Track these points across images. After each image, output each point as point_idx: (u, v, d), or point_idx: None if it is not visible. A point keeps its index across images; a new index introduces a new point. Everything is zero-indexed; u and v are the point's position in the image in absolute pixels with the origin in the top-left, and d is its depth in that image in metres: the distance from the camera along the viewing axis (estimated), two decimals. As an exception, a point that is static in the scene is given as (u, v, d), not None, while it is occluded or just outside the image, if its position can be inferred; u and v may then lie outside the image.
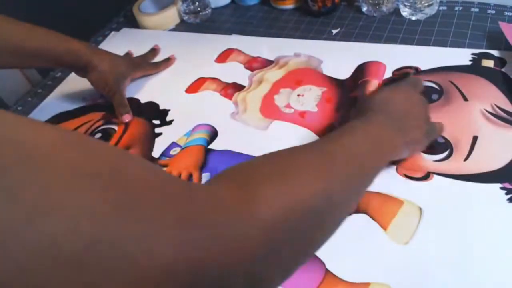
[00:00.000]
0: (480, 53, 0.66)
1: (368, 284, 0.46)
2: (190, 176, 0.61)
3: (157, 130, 0.70)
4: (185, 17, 0.95)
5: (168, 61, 0.84)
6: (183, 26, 0.96)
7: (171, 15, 0.95)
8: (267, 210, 0.30)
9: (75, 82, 0.86)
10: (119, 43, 0.94)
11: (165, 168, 0.63)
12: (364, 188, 0.43)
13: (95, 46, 0.87)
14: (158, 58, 0.86)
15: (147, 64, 0.83)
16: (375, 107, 0.50)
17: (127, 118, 0.72)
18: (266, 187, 0.31)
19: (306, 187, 0.33)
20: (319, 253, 0.49)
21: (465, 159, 0.54)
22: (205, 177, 0.61)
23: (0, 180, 0.20)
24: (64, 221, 0.20)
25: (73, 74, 0.88)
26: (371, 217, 0.51)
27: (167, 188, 0.27)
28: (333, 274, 0.47)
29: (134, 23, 0.99)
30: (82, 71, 0.74)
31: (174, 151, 0.66)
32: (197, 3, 0.93)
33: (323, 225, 0.36)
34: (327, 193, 0.35)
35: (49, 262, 0.20)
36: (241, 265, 0.27)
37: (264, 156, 0.39)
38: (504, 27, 0.68)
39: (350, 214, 0.52)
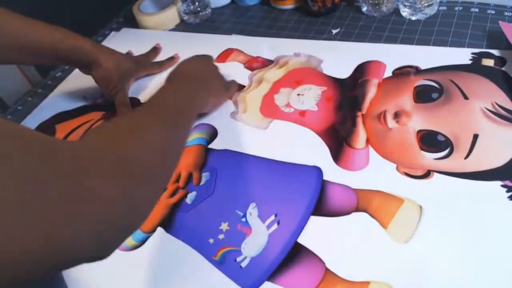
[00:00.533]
0: (480, 52, 0.66)
1: (368, 282, 0.46)
2: (190, 175, 0.61)
3: (156, 130, 0.70)
4: (185, 17, 0.95)
5: (171, 60, 0.83)
6: (183, 26, 0.96)
7: (171, 15, 0.95)
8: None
9: (75, 82, 0.86)
10: (119, 43, 0.94)
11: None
12: (187, 132, 0.52)
13: (100, 44, 0.86)
14: (159, 58, 0.86)
15: (151, 63, 0.83)
16: (176, 75, 0.61)
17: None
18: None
19: (151, 142, 0.41)
20: (319, 251, 0.49)
21: (466, 157, 0.53)
22: (205, 176, 0.60)
23: None
24: None
25: (73, 74, 0.88)
26: (371, 215, 0.51)
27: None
28: (333, 273, 0.47)
29: (134, 23, 0.99)
30: (86, 68, 0.73)
31: (174, 150, 0.66)
32: (197, 3, 0.93)
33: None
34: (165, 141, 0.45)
35: None
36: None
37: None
38: (504, 26, 0.68)
39: (348, 213, 0.52)
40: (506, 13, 0.74)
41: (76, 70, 0.88)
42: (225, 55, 0.82)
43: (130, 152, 0.37)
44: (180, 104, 0.52)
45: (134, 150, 0.38)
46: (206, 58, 0.70)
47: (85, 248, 0.30)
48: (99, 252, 0.32)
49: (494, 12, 0.75)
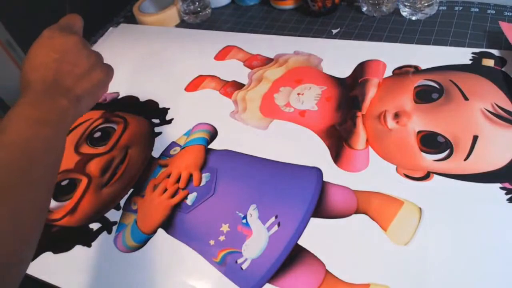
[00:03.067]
0: (481, 52, 0.66)
1: (368, 285, 0.46)
2: (190, 176, 0.61)
3: (156, 129, 0.70)
4: (185, 17, 0.95)
5: None
6: (183, 26, 0.96)
7: (171, 15, 0.95)
8: None
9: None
10: (117, 39, 0.94)
11: (164, 169, 0.63)
12: (53, 179, 0.41)
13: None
14: (156, 57, 0.86)
15: None
16: (25, 80, 0.45)
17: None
18: None
19: None
20: (319, 254, 0.49)
21: (465, 159, 0.53)
22: (205, 177, 0.60)
23: None
24: None
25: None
26: (371, 217, 0.51)
27: None
28: (333, 275, 0.47)
29: (134, 23, 0.99)
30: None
31: (174, 151, 0.66)
32: (197, 3, 0.93)
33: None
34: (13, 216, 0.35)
35: None
36: None
37: None
38: (504, 26, 0.68)
39: (344, 217, 0.52)
40: (506, 13, 0.74)
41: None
42: (225, 52, 0.82)
43: None
44: (36, 148, 0.39)
45: None
46: (68, 35, 0.49)
47: None
48: None
49: (494, 12, 0.75)
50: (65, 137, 0.44)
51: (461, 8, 0.77)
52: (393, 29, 0.77)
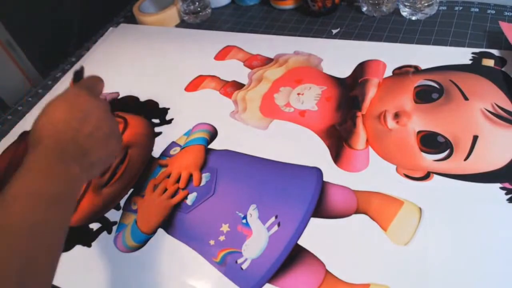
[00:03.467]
0: (481, 52, 0.66)
1: (368, 285, 0.46)
2: (190, 176, 0.61)
3: (156, 129, 0.70)
4: (185, 17, 0.95)
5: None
6: (183, 26, 0.96)
7: (171, 15, 0.95)
8: None
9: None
10: (117, 39, 0.94)
11: (164, 169, 0.63)
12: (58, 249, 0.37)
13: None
14: (156, 57, 0.86)
15: None
16: (37, 133, 0.41)
17: None
18: None
19: None
20: (319, 254, 0.49)
21: (465, 159, 0.53)
22: (205, 177, 0.60)
23: None
24: None
25: (70, 73, 0.88)
26: (371, 217, 0.51)
27: None
28: (333, 275, 0.47)
29: (134, 23, 0.99)
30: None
31: (174, 150, 0.66)
32: (197, 3, 0.93)
33: None
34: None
35: None
36: None
37: None
38: (504, 26, 0.68)
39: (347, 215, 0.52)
40: (506, 13, 0.74)
41: (73, 70, 0.88)
42: (224, 52, 0.82)
43: None
44: (43, 233, 0.35)
45: None
46: (92, 92, 0.46)
47: None
48: None
49: (494, 12, 0.75)
50: (73, 209, 0.41)
51: (461, 8, 0.77)
52: (393, 29, 0.77)
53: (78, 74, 0.52)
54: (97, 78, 0.49)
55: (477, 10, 0.76)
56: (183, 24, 0.96)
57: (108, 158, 0.46)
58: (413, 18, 0.78)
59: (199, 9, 0.93)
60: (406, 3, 0.77)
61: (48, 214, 0.36)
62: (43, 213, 0.35)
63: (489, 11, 0.75)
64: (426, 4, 0.76)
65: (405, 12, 0.79)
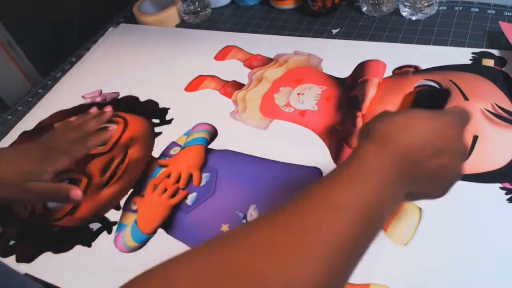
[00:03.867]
0: (481, 52, 0.66)
1: (367, 285, 0.46)
2: (190, 176, 0.61)
3: (156, 129, 0.70)
4: (185, 17, 0.95)
5: (103, 134, 0.61)
6: (183, 26, 0.96)
7: (171, 15, 0.95)
8: None
9: (73, 80, 0.86)
10: (117, 39, 0.94)
11: (164, 169, 0.63)
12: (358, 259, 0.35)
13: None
14: (156, 57, 0.86)
15: (74, 147, 0.58)
16: (382, 133, 0.36)
17: (76, 195, 0.53)
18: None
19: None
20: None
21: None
22: (205, 177, 0.60)
23: None
24: None
25: (70, 73, 0.88)
26: (371, 217, 0.51)
27: None
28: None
29: (134, 23, 0.99)
30: None
31: (174, 151, 0.66)
32: (197, 3, 0.93)
33: None
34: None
35: None
36: None
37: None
38: (504, 26, 0.68)
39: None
40: (506, 13, 0.74)
41: (73, 69, 0.88)
42: (224, 52, 0.82)
43: None
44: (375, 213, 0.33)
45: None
46: (460, 123, 0.39)
47: None
48: None
49: (494, 12, 0.75)
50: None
51: (461, 8, 0.77)
52: (393, 29, 0.77)
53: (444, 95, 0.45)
54: (466, 113, 0.41)
55: (477, 10, 0.76)
56: (183, 24, 0.96)
57: (423, 195, 0.39)
58: (413, 18, 0.78)
59: (199, 9, 0.93)
60: (406, 3, 0.77)
61: (367, 230, 0.33)
62: (363, 227, 0.33)
63: (489, 11, 0.75)
64: (426, 4, 0.76)
65: (405, 12, 0.79)
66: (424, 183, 0.37)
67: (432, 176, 0.36)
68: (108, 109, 0.64)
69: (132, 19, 0.99)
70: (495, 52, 0.66)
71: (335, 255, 0.31)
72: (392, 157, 0.34)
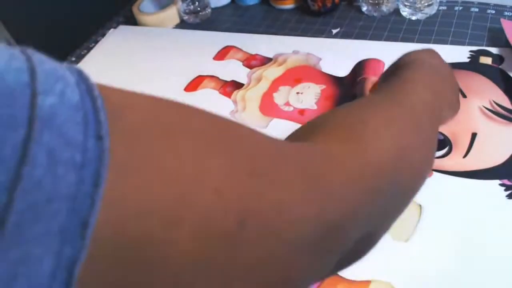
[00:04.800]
0: (478, 50, 0.67)
1: (369, 281, 0.46)
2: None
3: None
4: (185, 17, 0.95)
5: None
6: (183, 25, 0.96)
7: (171, 15, 0.95)
8: (376, 158, 0.30)
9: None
10: (117, 40, 0.94)
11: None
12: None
13: None
14: (155, 58, 0.86)
15: None
16: (418, 60, 0.44)
17: None
18: (372, 137, 0.31)
19: (401, 141, 0.33)
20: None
21: (464, 156, 0.53)
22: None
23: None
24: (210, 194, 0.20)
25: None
26: (370, 214, 0.51)
27: (286, 151, 0.26)
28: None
29: (134, 23, 0.98)
30: None
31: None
32: (197, 3, 0.93)
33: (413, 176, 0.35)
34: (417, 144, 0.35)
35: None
36: (358, 212, 0.28)
37: (351, 108, 0.37)
38: (505, 24, 0.68)
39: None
40: (506, 13, 0.74)
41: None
42: (223, 52, 0.82)
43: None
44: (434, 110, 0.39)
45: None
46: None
47: None
48: None
49: (494, 12, 0.75)
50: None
51: (461, 8, 0.78)
52: (393, 29, 0.77)
53: None
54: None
55: (477, 10, 0.76)
56: (182, 23, 0.96)
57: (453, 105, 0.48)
58: (413, 18, 0.78)
59: (198, 8, 0.93)
60: (406, 3, 0.78)
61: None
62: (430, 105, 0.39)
63: (489, 11, 0.75)
64: (426, 4, 0.76)
65: (405, 12, 0.79)
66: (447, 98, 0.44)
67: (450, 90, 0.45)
68: None
69: (132, 19, 0.99)
70: (492, 50, 0.66)
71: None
72: (432, 80, 0.42)
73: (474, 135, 0.55)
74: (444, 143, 0.55)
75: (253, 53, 0.80)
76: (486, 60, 0.65)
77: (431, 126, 0.37)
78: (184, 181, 0.19)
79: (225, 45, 0.84)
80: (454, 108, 0.48)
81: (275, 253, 0.22)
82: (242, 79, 0.75)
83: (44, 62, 0.18)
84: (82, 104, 0.17)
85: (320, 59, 0.74)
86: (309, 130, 0.34)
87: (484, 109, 0.57)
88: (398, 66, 0.45)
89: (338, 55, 0.74)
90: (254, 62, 0.78)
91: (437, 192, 0.51)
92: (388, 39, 0.75)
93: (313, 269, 0.26)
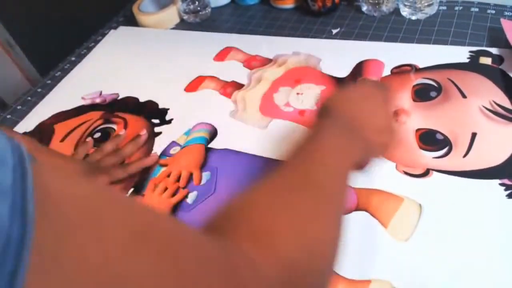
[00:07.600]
0: (478, 50, 0.67)
1: (369, 281, 0.46)
2: (190, 175, 0.61)
3: (156, 129, 0.70)
4: (185, 17, 0.95)
5: (140, 162, 0.64)
6: (183, 25, 0.96)
7: (171, 15, 0.95)
8: (287, 254, 0.31)
9: (73, 81, 0.86)
10: (117, 41, 0.95)
11: (164, 168, 0.63)
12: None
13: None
14: (156, 58, 0.86)
15: (115, 171, 0.62)
16: (333, 111, 0.46)
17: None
18: (281, 237, 0.32)
19: (314, 233, 0.34)
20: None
21: (464, 156, 0.54)
22: (206, 176, 0.60)
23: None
24: None
25: (71, 74, 0.88)
26: (371, 214, 0.51)
27: (207, 256, 0.27)
28: (334, 272, 0.47)
29: (134, 23, 0.99)
30: None
31: (174, 150, 0.66)
32: (197, 2, 0.93)
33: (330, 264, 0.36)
34: (331, 235, 0.36)
35: None
36: None
37: (261, 197, 0.38)
38: (505, 24, 0.68)
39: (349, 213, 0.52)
40: (506, 13, 0.74)
41: (74, 70, 0.88)
42: (224, 53, 0.82)
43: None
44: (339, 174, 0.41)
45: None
46: (380, 90, 0.49)
47: None
48: None
49: (494, 12, 0.75)
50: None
51: (461, 8, 0.78)
52: (393, 29, 0.77)
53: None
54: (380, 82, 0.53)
55: (477, 10, 0.76)
56: (182, 23, 0.96)
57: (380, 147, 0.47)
58: (413, 18, 0.78)
59: (198, 8, 0.93)
60: (406, 3, 0.78)
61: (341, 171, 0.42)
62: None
63: (489, 11, 0.75)
64: (426, 4, 0.76)
65: (405, 12, 0.79)
66: (368, 141, 0.44)
67: (373, 130, 0.45)
68: (143, 132, 0.68)
69: (132, 19, 0.99)
70: (492, 50, 0.66)
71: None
72: (342, 126, 0.44)
73: (474, 135, 0.55)
74: (444, 143, 0.55)
75: (254, 54, 0.80)
76: (486, 61, 0.65)
77: (340, 192, 0.40)
78: (106, 283, 0.20)
79: (225, 46, 0.84)
80: (386, 132, 0.46)
81: None
82: (243, 80, 0.75)
83: None
84: (13, 190, 0.18)
85: (320, 60, 0.74)
86: (225, 222, 0.34)
87: (484, 109, 0.57)
88: (319, 114, 0.48)
89: (338, 56, 0.74)
90: (254, 63, 0.78)
91: (437, 192, 0.51)
92: (388, 39, 0.76)
93: None
